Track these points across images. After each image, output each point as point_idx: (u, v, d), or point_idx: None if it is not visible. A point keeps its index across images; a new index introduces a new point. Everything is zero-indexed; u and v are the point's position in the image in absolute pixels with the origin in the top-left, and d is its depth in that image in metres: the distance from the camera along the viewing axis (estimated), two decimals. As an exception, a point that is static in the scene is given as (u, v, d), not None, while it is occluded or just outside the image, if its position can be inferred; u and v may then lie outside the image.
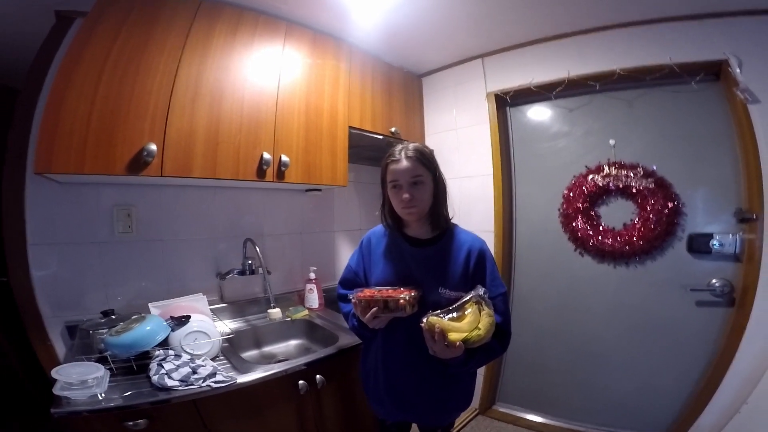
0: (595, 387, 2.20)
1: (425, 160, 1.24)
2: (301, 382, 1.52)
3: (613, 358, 2.14)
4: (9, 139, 1.48)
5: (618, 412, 2.13)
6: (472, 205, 2.43)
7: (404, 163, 1.22)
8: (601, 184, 2.04)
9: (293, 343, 2.02)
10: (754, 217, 1.69)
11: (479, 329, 1.10)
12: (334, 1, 1.79)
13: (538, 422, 2.35)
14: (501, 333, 1.19)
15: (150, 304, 1.62)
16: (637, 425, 2.08)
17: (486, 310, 1.13)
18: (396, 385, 1.32)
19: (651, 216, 1.92)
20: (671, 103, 1.93)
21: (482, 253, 1.24)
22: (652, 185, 1.92)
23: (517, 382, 2.47)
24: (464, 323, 1.11)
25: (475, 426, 2.39)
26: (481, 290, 1.15)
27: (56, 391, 1.10)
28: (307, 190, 2.33)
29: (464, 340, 1.10)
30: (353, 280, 1.45)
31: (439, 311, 1.14)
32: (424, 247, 1.29)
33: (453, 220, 1.35)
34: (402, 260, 1.31)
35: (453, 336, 1.09)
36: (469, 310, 1.13)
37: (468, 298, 1.15)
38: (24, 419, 2.20)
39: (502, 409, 2.48)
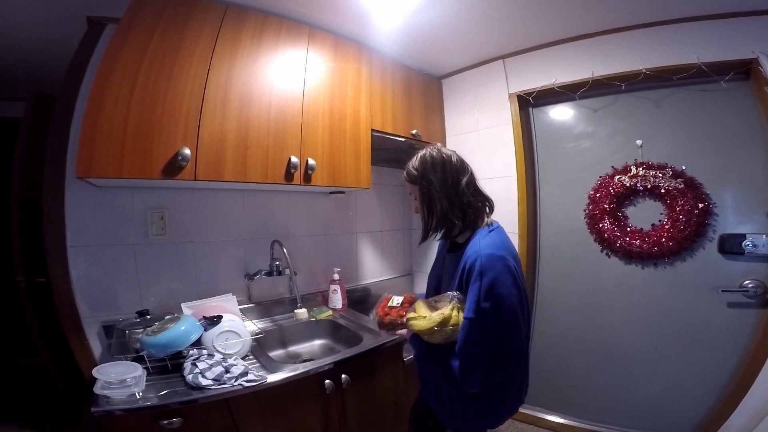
0: (620, 388, 2.17)
1: (410, 176, 1.26)
2: (327, 381, 1.55)
3: (638, 359, 2.10)
4: (48, 144, 1.54)
5: (642, 414, 2.10)
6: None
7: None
8: (628, 185, 2.01)
9: (317, 343, 2.05)
10: (789, 217, 1.65)
11: (423, 317, 1.17)
12: (355, 5, 1.81)
13: (560, 423, 2.33)
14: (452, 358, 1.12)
15: (182, 304, 1.67)
16: (662, 427, 2.05)
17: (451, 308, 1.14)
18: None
19: (680, 216, 1.88)
20: (700, 102, 1.90)
21: (471, 268, 1.10)
22: (681, 185, 1.88)
23: (539, 383, 2.42)
24: (426, 312, 1.18)
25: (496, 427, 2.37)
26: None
27: (97, 390, 1.14)
28: (330, 193, 2.35)
29: (408, 322, 1.21)
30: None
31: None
32: (452, 252, 1.28)
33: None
34: (442, 264, 1.37)
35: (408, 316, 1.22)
36: (447, 306, 1.14)
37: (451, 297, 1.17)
38: (55, 418, 2.26)
39: (523, 410, 2.45)
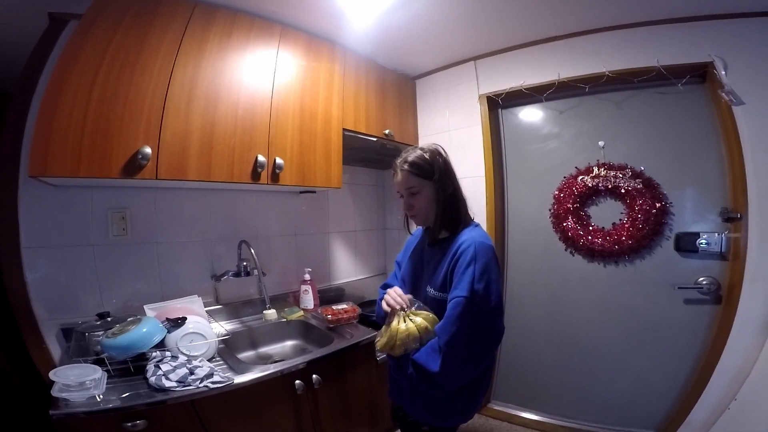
0: (587, 384, 2.23)
1: (419, 170, 1.24)
2: (297, 382, 1.55)
3: (604, 356, 2.17)
4: (2, 142, 1.47)
5: (610, 409, 2.16)
6: None
7: (399, 176, 1.28)
8: (590, 185, 2.07)
9: (289, 343, 2.04)
10: (739, 216, 1.73)
11: (382, 337, 1.24)
12: (329, 4, 1.80)
13: (532, 420, 2.37)
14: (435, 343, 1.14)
15: (145, 306, 1.63)
16: (629, 422, 2.11)
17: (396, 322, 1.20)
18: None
19: (639, 216, 1.95)
20: (658, 104, 1.97)
21: (464, 252, 1.14)
22: (640, 185, 1.95)
23: (511, 380, 2.49)
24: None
25: (469, 424, 2.40)
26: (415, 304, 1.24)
27: (54, 393, 1.11)
28: (301, 192, 2.34)
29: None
30: (395, 272, 1.51)
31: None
32: (435, 246, 1.30)
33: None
34: (420, 258, 1.38)
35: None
36: (394, 321, 1.21)
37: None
38: (20, 424, 2.17)
39: (496, 407, 2.50)
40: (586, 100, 2.14)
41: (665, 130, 1.96)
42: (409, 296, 1.27)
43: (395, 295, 1.25)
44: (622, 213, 2.04)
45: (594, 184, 2.06)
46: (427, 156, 1.26)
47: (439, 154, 1.28)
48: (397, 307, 1.22)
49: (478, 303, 1.09)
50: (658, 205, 1.92)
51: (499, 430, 2.35)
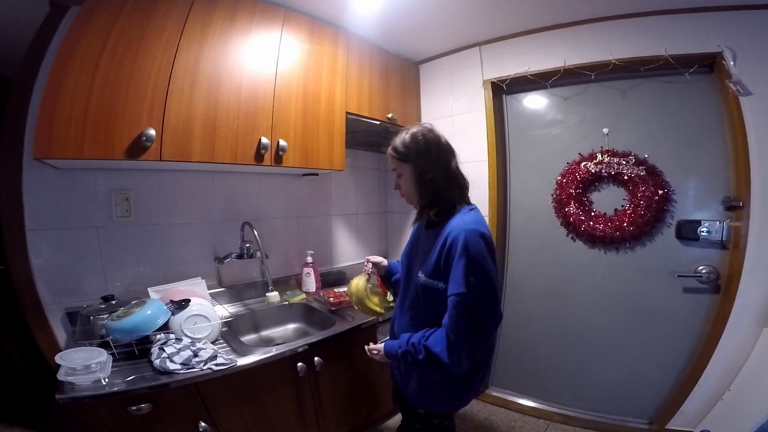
0: (584, 372, 2.26)
1: (398, 154, 1.26)
2: (299, 364, 1.57)
3: (602, 343, 2.19)
4: (4, 126, 1.47)
5: (606, 397, 2.19)
6: None
7: (389, 158, 1.31)
8: (593, 171, 2.07)
9: (291, 326, 2.07)
10: (741, 204, 1.73)
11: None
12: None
13: (529, 406, 2.41)
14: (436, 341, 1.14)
15: (149, 289, 1.64)
16: (624, 410, 2.14)
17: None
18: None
19: (641, 202, 1.95)
20: (665, 93, 1.95)
21: (454, 242, 1.12)
22: (643, 173, 1.95)
23: (509, 367, 2.52)
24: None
25: (467, 410, 2.44)
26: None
27: (60, 376, 1.12)
28: (303, 175, 2.34)
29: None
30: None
31: None
32: (430, 229, 1.29)
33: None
34: (417, 240, 1.38)
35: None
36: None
37: None
38: (24, 409, 2.20)
39: (494, 393, 2.54)
40: (591, 87, 2.12)
41: (671, 119, 1.95)
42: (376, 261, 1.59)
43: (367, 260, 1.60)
44: (624, 199, 2.04)
45: (597, 170, 2.05)
46: (407, 138, 1.25)
47: (422, 135, 1.25)
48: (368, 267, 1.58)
49: (475, 297, 1.09)
50: (660, 192, 1.92)
51: (496, 416, 2.39)
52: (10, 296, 1.56)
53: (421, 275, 1.23)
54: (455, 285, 1.10)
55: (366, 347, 1.40)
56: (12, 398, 2.30)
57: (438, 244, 1.18)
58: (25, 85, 1.48)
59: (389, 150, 1.29)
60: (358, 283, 1.59)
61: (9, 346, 2.19)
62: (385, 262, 1.60)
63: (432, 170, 1.22)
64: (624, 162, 1.99)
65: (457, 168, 1.27)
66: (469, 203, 1.28)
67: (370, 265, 1.59)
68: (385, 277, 1.59)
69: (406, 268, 1.38)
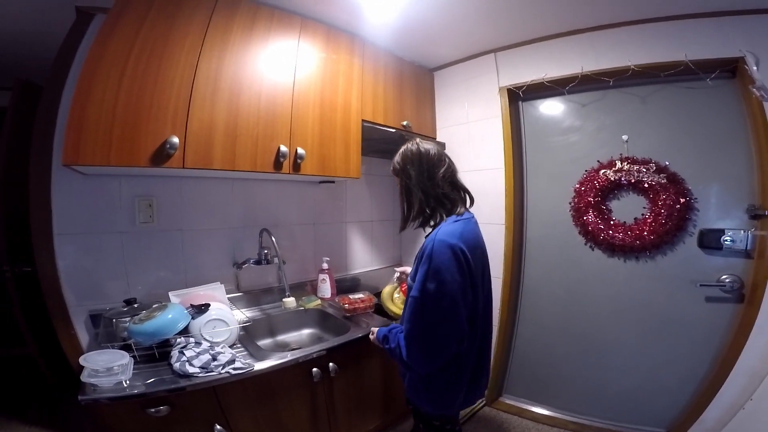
0: (599, 380, 2.22)
1: (393, 170, 1.38)
2: (314, 369, 1.58)
3: (619, 352, 2.15)
4: (34, 132, 1.52)
5: (621, 405, 2.16)
6: (482, 199, 2.38)
7: None
8: (612, 179, 2.04)
9: (306, 332, 2.08)
10: (767, 213, 1.69)
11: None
12: (347, -3, 1.80)
13: (543, 415, 2.38)
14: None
15: (170, 293, 1.68)
16: (640, 419, 2.10)
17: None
18: None
19: (662, 211, 1.92)
20: (686, 99, 1.92)
21: (424, 250, 1.19)
22: (664, 180, 1.91)
23: (523, 375, 2.49)
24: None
25: (481, 417, 2.42)
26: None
27: (84, 378, 1.15)
28: (320, 182, 2.36)
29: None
30: None
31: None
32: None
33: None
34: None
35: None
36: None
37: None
38: (44, 409, 2.25)
39: (508, 401, 2.52)
40: (609, 93, 2.10)
41: (692, 125, 1.92)
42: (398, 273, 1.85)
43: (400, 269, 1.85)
44: (644, 208, 2.01)
45: (616, 177, 2.03)
46: (398, 155, 1.36)
47: (409, 150, 1.33)
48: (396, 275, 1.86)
49: (428, 303, 1.14)
50: (682, 200, 1.88)
51: (509, 423, 2.36)
52: (35, 298, 1.61)
53: (409, 280, 1.30)
54: (414, 289, 1.18)
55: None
56: (32, 397, 2.36)
57: (419, 254, 1.24)
58: (53, 91, 1.53)
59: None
60: (387, 289, 2.00)
61: (32, 346, 2.25)
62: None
63: (415, 183, 1.29)
64: (644, 169, 1.96)
65: (448, 177, 1.31)
66: (460, 213, 1.29)
67: (398, 272, 1.85)
68: None
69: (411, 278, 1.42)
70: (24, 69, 2.27)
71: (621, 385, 2.16)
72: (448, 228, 1.21)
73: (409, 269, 1.62)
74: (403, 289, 1.82)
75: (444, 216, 1.29)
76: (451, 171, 1.32)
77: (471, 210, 1.37)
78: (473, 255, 1.20)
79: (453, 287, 1.13)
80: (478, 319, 1.27)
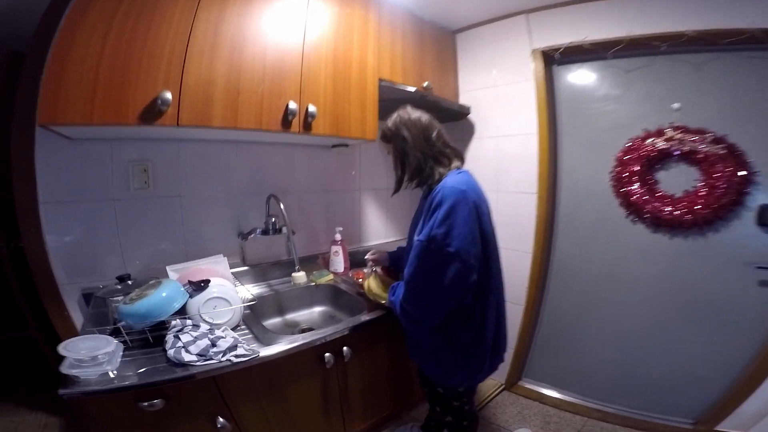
0: (630, 367, 2.10)
1: (384, 136, 1.45)
2: (327, 354, 1.44)
3: (655, 336, 2.01)
4: (16, 97, 1.38)
5: (649, 394, 2.05)
6: (510, 165, 2.29)
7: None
8: (661, 148, 1.84)
9: (317, 309, 1.95)
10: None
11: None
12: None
13: (565, 401, 2.27)
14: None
15: (168, 267, 1.53)
16: (667, 410, 2.01)
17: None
18: None
19: (718, 183, 1.72)
20: (748, 68, 1.69)
21: (434, 197, 1.22)
22: (722, 151, 1.71)
23: (546, 358, 2.37)
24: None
25: (500, 401, 2.31)
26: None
27: (64, 369, 0.99)
28: (332, 146, 2.19)
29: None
30: None
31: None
32: (425, 199, 1.36)
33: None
34: (418, 210, 1.47)
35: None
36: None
37: None
38: (48, 394, 2.18)
39: (528, 386, 2.42)
40: (659, 60, 1.87)
41: (754, 96, 1.69)
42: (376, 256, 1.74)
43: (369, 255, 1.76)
44: (696, 180, 1.81)
45: (666, 147, 1.82)
46: (389, 122, 1.43)
47: (399, 116, 1.40)
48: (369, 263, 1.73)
49: (433, 248, 1.16)
50: (741, 173, 1.68)
51: (529, 410, 2.24)
52: (27, 275, 1.49)
53: (416, 238, 1.26)
54: (422, 233, 1.21)
55: None
56: (37, 383, 2.28)
57: (426, 205, 1.26)
58: (37, 56, 1.34)
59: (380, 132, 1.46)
60: (369, 284, 1.63)
61: (34, 330, 2.15)
62: (384, 253, 1.76)
63: (411, 144, 1.35)
64: (699, 139, 1.75)
65: (441, 138, 1.38)
66: (458, 168, 1.36)
67: (370, 263, 1.74)
68: (393, 266, 1.71)
69: (409, 241, 1.49)
70: (13, 43, 2.11)
71: (651, 373, 2.03)
72: (455, 178, 1.26)
73: (376, 254, 1.75)
74: (385, 273, 1.64)
75: (443, 173, 1.33)
76: (443, 134, 1.40)
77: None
78: (482, 205, 1.27)
79: (462, 232, 1.15)
80: (492, 276, 1.30)
